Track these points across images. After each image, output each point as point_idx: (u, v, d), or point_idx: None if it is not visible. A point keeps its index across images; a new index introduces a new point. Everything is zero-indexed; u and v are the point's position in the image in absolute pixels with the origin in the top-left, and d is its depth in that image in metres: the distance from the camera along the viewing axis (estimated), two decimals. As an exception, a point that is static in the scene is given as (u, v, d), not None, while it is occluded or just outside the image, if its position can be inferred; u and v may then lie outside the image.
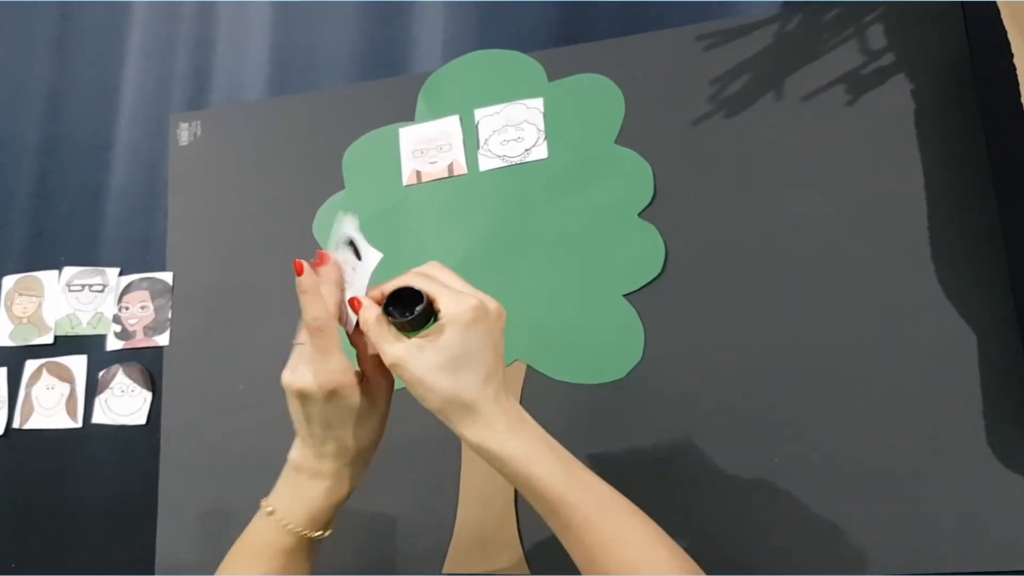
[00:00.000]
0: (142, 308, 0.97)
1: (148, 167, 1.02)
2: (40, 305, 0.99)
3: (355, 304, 0.59)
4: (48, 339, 0.98)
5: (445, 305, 0.55)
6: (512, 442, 0.55)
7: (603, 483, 0.57)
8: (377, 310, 0.57)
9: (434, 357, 0.54)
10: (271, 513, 0.62)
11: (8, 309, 1.00)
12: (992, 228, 0.73)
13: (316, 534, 0.62)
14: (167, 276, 0.97)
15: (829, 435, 0.73)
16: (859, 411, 0.73)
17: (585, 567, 0.55)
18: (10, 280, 1.01)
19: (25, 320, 0.98)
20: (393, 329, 0.57)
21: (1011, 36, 0.67)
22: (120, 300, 0.98)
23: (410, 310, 0.56)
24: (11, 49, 1.12)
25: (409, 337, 0.56)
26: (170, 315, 0.96)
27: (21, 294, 1.00)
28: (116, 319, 0.97)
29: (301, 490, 0.62)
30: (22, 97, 1.09)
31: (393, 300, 0.57)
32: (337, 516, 0.64)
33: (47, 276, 1.01)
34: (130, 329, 0.97)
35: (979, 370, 0.71)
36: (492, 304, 0.58)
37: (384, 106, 0.93)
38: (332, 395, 0.58)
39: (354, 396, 0.59)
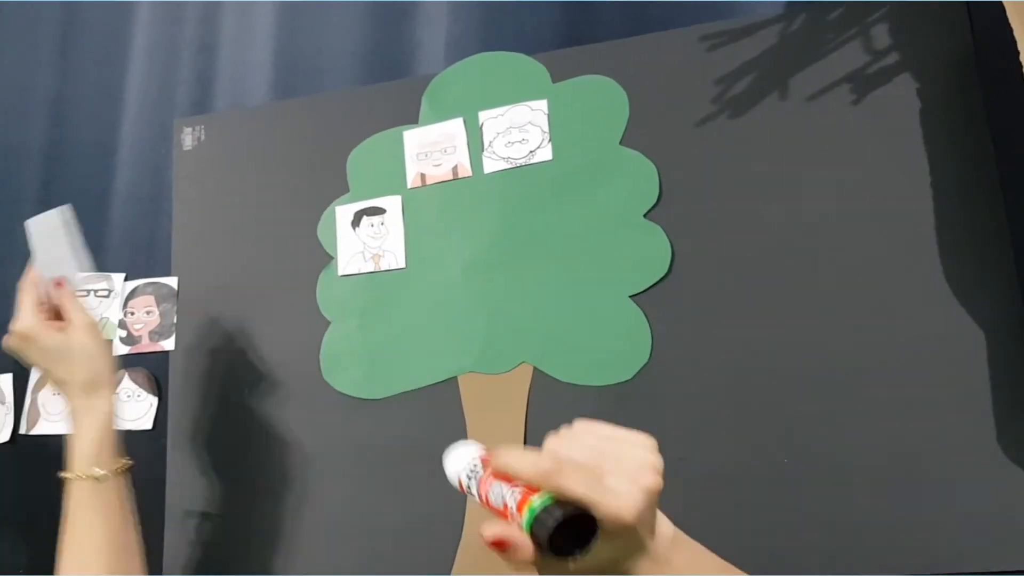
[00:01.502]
0: (147, 313, 0.97)
1: (152, 172, 1.02)
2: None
3: (499, 545, 0.46)
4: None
5: (604, 518, 0.44)
6: None
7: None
8: (530, 550, 0.45)
9: (593, 560, 0.45)
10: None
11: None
12: (999, 227, 0.72)
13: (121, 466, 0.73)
14: (172, 281, 0.97)
15: (837, 435, 0.73)
16: (867, 411, 0.73)
17: None
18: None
19: None
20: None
21: (1017, 34, 0.66)
22: (125, 305, 0.98)
23: (578, 546, 0.44)
24: (15, 55, 1.12)
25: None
26: (175, 320, 0.96)
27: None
28: (122, 324, 0.97)
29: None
30: (26, 103, 1.09)
31: (560, 533, 0.43)
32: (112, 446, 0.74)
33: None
34: (135, 334, 0.97)
35: (987, 369, 0.71)
36: (651, 490, 0.46)
37: (388, 109, 0.93)
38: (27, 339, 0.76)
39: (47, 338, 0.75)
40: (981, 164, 0.74)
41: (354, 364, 0.87)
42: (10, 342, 0.77)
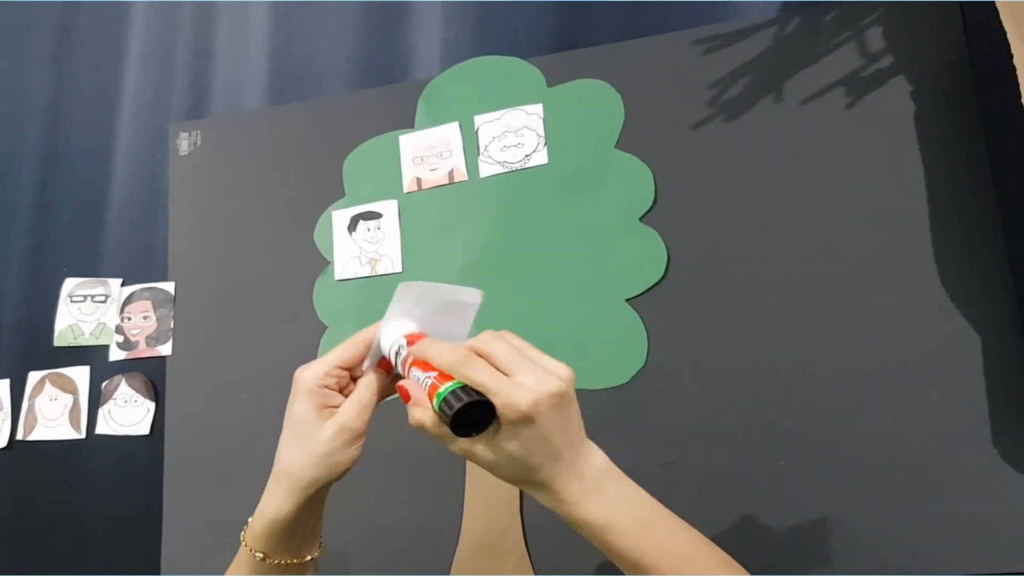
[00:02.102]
0: (144, 318, 0.97)
1: (148, 177, 1.02)
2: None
3: (403, 394, 0.55)
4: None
5: (502, 407, 0.50)
6: (586, 509, 0.53)
7: (687, 537, 0.54)
8: (431, 416, 0.53)
9: (496, 452, 0.52)
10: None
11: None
12: (993, 229, 0.73)
13: (288, 560, 0.59)
14: (169, 286, 0.97)
15: (833, 438, 0.73)
16: (862, 414, 0.73)
17: None
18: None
19: None
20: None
21: (1010, 37, 0.67)
22: (122, 310, 0.98)
23: (473, 427, 0.51)
24: (11, 61, 1.12)
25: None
26: (172, 325, 0.96)
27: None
28: (119, 329, 0.97)
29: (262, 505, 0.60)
30: (22, 108, 1.09)
31: (463, 416, 0.51)
32: (311, 544, 0.62)
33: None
34: (132, 339, 0.97)
35: (983, 372, 0.71)
36: (551, 395, 0.51)
37: (383, 113, 0.93)
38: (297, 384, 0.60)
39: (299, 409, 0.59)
40: (975, 166, 0.74)
41: (351, 369, 0.87)
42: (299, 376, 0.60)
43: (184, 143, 1.00)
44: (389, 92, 0.94)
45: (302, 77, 0.99)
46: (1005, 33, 0.66)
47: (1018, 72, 0.66)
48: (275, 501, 0.58)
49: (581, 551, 0.77)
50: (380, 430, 0.85)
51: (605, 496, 0.53)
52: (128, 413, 0.95)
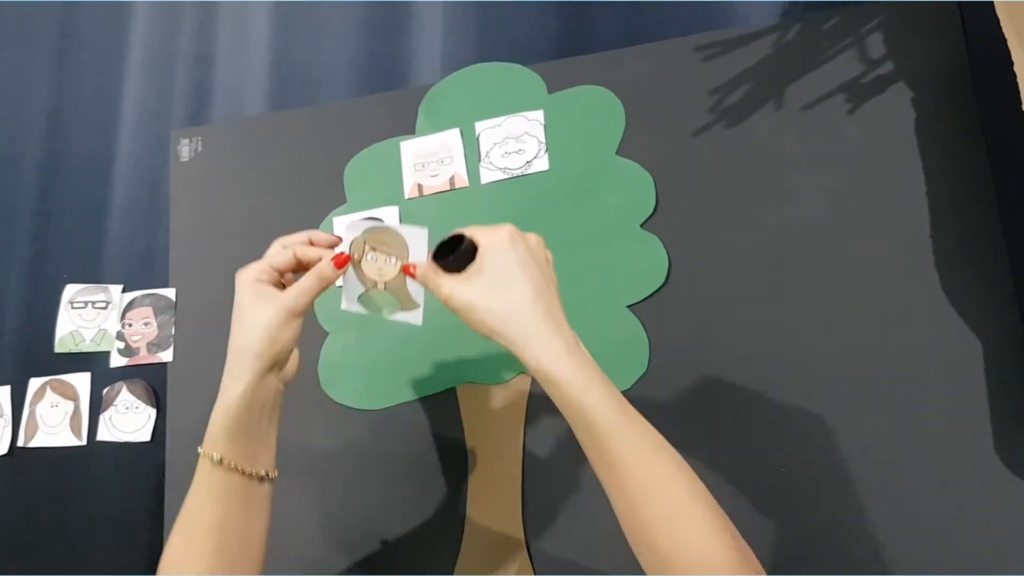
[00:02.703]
0: (145, 325, 0.97)
1: (149, 183, 1.02)
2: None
3: (408, 270, 0.66)
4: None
5: (482, 238, 0.61)
6: (570, 367, 0.57)
7: (651, 427, 0.58)
8: (428, 263, 0.63)
9: (480, 282, 0.60)
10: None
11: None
12: (995, 235, 0.73)
13: (243, 466, 0.62)
14: (170, 292, 0.97)
15: (835, 444, 0.73)
16: (864, 419, 0.73)
17: (622, 512, 0.56)
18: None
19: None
20: (444, 273, 0.63)
21: (1010, 43, 0.67)
22: (123, 317, 0.98)
23: (454, 251, 0.62)
24: (12, 67, 1.12)
25: (455, 273, 0.62)
26: (173, 331, 0.96)
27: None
28: (119, 336, 0.97)
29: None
30: (23, 115, 1.09)
31: (440, 251, 0.63)
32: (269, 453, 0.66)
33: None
34: (133, 346, 0.97)
35: (984, 376, 0.71)
36: (530, 234, 0.63)
37: (384, 120, 0.93)
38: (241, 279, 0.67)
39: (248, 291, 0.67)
40: (976, 173, 0.74)
41: (353, 375, 0.88)
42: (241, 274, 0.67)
43: (185, 149, 1.00)
44: (390, 98, 0.94)
45: (303, 83, 1.00)
46: (1006, 40, 0.67)
47: (1018, 78, 0.66)
48: (227, 390, 0.63)
49: (583, 556, 0.77)
50: (379, 440, 0.86)
51: (582, 358, 0.58)
52: (129, 420, 0.95)
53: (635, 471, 0.55)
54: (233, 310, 0.66)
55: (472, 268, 0.61)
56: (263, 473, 0.64)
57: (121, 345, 0.97)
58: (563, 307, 0.61)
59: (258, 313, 0.64)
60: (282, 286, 0.67)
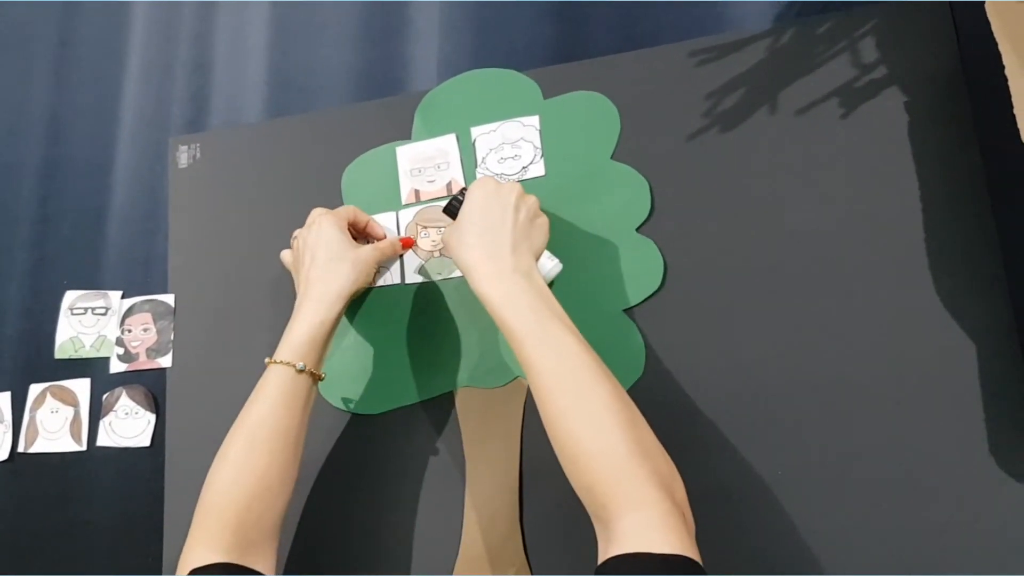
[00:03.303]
0: (144, 330, 0.97)
1: (148, 190, 1.02)
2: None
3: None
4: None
5: (469, 189, 0.76)
6: (495, 287, 0.69)
7: (576, 347, 0.65)
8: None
9: (455, 223, 0.76)
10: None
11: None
12: (989, 238, 0.73)
13: (317, 372, 0.76)
14: (169, 298, 0.97)
15: (830, 446, 0.73)
16: (860, 422, 0.73)
17: (548, 432, 0.64)
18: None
19: (437, 253, 0.87)
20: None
21: (1002, 48, 0.67)
22: (123, 323, 0.98)
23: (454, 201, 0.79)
24: (11, 73, 1.13)
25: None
26: (172, 337, 0.96)
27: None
28: (119, 342, 0.98)
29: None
30: (22, 122, 1.10)
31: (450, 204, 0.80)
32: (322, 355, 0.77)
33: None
34: (133, 351, 0.97)
35: (979, 379, 0.71)
36: (508, 184, 0.76)
37: (381, 125, 0.93)
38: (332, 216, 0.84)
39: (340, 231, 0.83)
40: (970, 175, 0.75)
41: (351, 379, 0.88)
42: (301, 231, 0.84)
43: (183, 156, 1.01)
44: (386, 104, 0.95)
45: (300, 90, 1.00)
46: (997, 45, 0.67)
47: (1009, 82, 0.66)
48: (321, 309, 0.76)
49: (582, 559, 0.77)
50: (377, 444, 0.86)
51: (516, 281, 0.69)
52: (129, 425, 0.95)
53: (550, 395, 0.63)
54: (315, 243, 0.80)
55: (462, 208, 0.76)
56: (322, 374, 0.77)
57: (121, 351, 0.97)
58: (526, 240, 0.73)
59: (355, 254, 0.80)
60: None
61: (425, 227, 0.88)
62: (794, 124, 0.80)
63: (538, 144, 0.87)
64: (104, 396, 0.96)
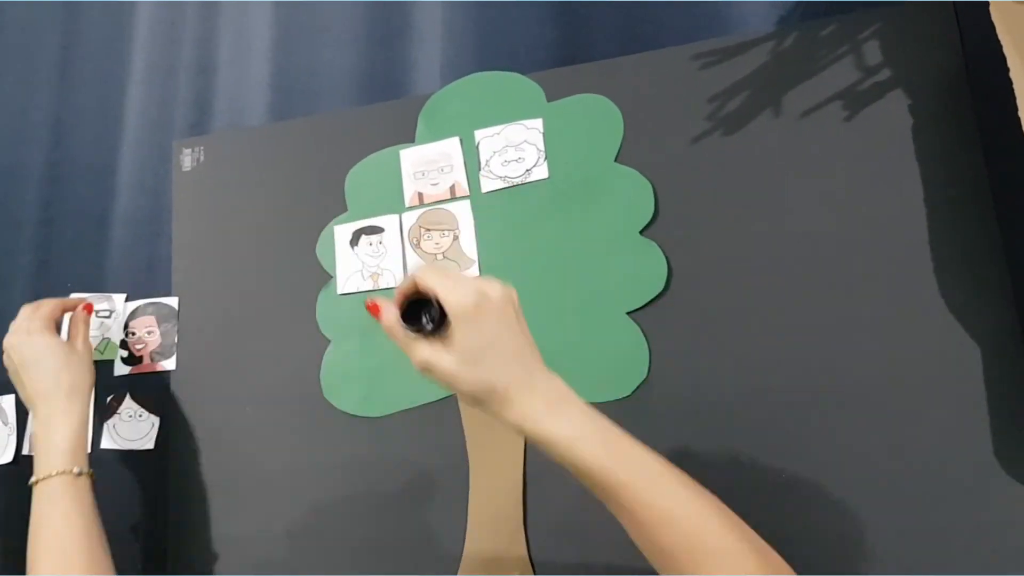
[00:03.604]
0: (148, 333, 0.98)
1: (152, 193, 1.02)
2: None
3: (373, 309, 0.62)
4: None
5: (447, 303, 0.56)
6: (552, 424, 0.55)
7: (652, 457, 0.55)
8: (395, 314, 0.59)
9: (454, 354, 0.56)
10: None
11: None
12: (992, 241, 0.73)
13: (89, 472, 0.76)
14: (173, 301, 0.97)
15: (834, 449, 0.73)
16: (864, 424, 0.73)
17: (645, 546, 0.55)
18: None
19: (440, 256, 0.89)
20: (415, 335, 0.58)
21: (1006, 50, 0.67)
22: (127, 326, 0.98)
23: (425, 317, 0.58)
24: (14, 77, 1.13)
25: (429, 339, 0.58)
26: (176, 340, 0.96)
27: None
28: (123, 344, 0.98)
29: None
30: (26, 125, 1.10)
31: (411, 311, 0.59)
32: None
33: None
34: (137, 354, 0.97)
35: (983, 382, 0.71)
36: (494, 289, 0.58)
37: (385, 128, 0.93)
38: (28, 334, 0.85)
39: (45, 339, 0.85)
40: (973, 178, 0.75)
41: (354, 382, 0.88)
42: (9, 338, 0.84)
43: (187, 159, 1.01)
44: (390, 107, 0.95)
45: (303, 93, 1.00)
46: (1002, 48, 0.67)
47: (1015, 85, 0.66)
48: (76, 412, 0.78)
49: (585, 563, 0.77)
50: (380, 447, 0.86)
51: (567, 410, 0.56)
52: (133, 428, 0.95)
53: (643, 507, 0.54)
54: (31, 353, 0.83)
55: (444, 336, 0.57)
56: (93, 473, 0.78)
57: (124, 354, 0.98)
58: (537, 352, 0.59)
59: (70, 355, 0.84)
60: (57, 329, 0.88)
61: (428, 229, 0.88)
62: (798, 127, 0.80)
63: (541, 147, 0.87)
64: (108, 399, 0.97)
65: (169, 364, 0.96)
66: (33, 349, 0.82)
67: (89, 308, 0.90)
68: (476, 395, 0.57)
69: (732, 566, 0.53)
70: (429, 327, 0.57)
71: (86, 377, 0.83)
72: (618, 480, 0.54)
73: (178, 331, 0.96)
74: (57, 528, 0.72)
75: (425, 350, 0.58)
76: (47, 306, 0.87)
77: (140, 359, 0.97)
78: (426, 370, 0.58)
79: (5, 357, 0.85)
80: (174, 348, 0.96)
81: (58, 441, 0.76)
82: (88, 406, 0.81)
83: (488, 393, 0.56)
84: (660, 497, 0.54)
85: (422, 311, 0.58)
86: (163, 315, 0.98)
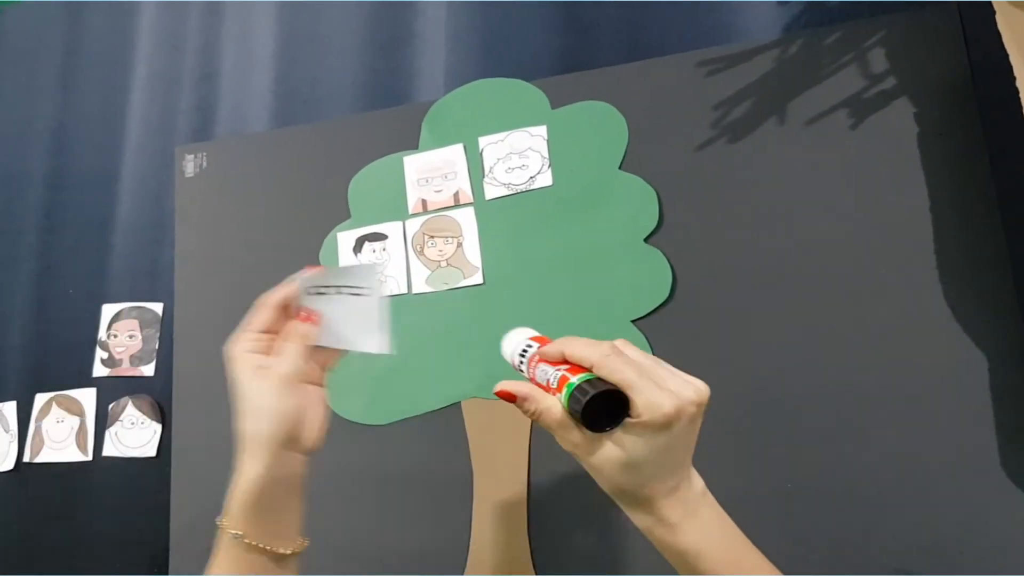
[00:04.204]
0: (130, 337, 0.97)
1: (154, 199, 1.02)
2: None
3: (507, 396, 0.54)
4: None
5: (640, 404, 0.48)
6: (683, 536, 0.51)
7: (768, 568, 0.53)
8: (551, 406, 0.51)
9: (616, 453, 0.49)
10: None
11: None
12: (999, 248, 0.73)
13: (266, 543, 0.58)
14: (157, 307, 0.97)
15: (841, 459, 0.73)
16: (870, 434, 0.73)
17: None
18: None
19: (443, 263, 0.88)
20: (582, 430, 0.50)
21: (1012, 58, 0.67)
22: (109, 328, 0.98)
23: (605, 419, 0.49)
24: (18, 84, 1.13)
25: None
26: (157, 346, 0.96)
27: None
28: (103, 346, 0.97)
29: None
30: (29, 132, 1.10)
31: (591, 404, 0.49)
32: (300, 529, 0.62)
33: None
34: (116, 357, 0.97)
35: (989, 391, 0.71)
36: (691, 403, 0.50)
37: (388, 135, 0.93)
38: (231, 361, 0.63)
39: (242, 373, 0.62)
40: (979, 186, 0.74)
41: (358, 390, 0.88)
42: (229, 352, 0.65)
43: (190, 165, 1.01)
44: (393, 114, 0.95)
45: (307, 100, 1.00)
46: (1007, 56, 0.67)
47: (1020, 92, 0.66)
48: (245, 469, 0.58)
49: (589, 572, 0.77)
50: (384, 455, 0.86)
51: (702, 523, 0.52)
52: (135, 435, 0.95)
53: None
54: (233, 387, 0.62)
55: (626, 435, 0.49)
56: (287, 551, 0.59)
57: (104, 355, 0.97)
58: (691, 452, 0.53)
59: (259, 391, 0.60)
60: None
61: (432, 236, 0.87)
62: (802, 134, 0.80)
63: (546, 154, 0.87)
64: (110, 406, 0.96)
65: (148, 370, 0.96)
66: (232, 372, 0.63)
67: (310, 318, 0.64)
68: (615, 494, 0.52)
69: None
70: (606, 430, 0.49)
71: (273, 422, 0.59)
72: None
73: (178, 337, 0.96)
74: None
75: (577, 434, 0.50)
76: (261, 312, 0.65)
77: (120, 362, 0.97)
78: (574, 452, 0.51)
79: None
80: (154, 354, 0.96)
81: (232, 491, 0.60)
82: (269, 463, 0.58)
83: (628, 497, 0.51)
84: None
85: (597, 395, 0.48)
86: (146, 320, 0.98)
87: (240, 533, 0.57)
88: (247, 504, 0.58)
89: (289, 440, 0.59)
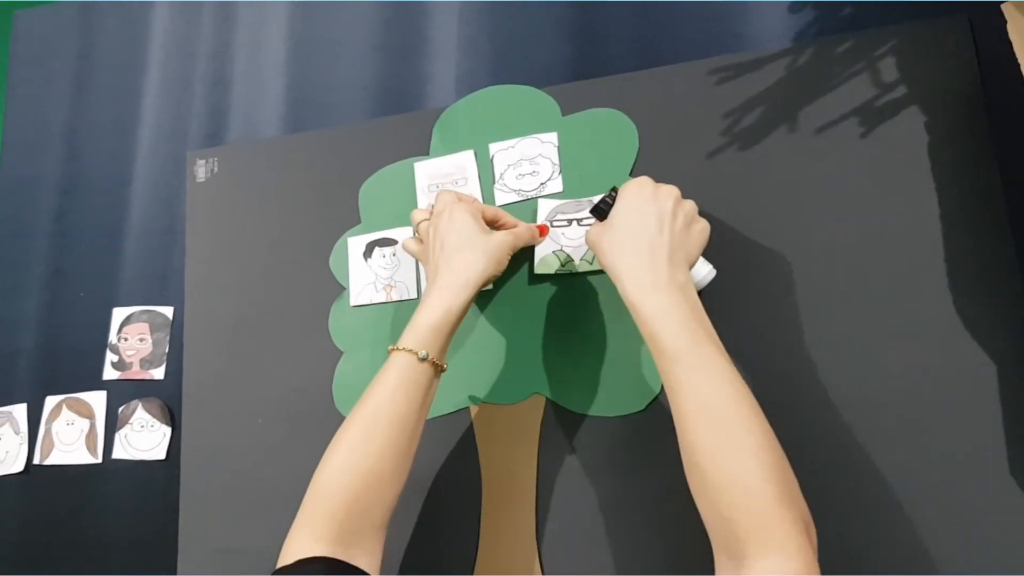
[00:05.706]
0: (140, 340, 0.98)
1: (166, 204, 1.03)
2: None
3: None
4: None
5: (623, 190, 0.71)
6: (650, 298, 0.64)
7: (730, 374, 0.61)
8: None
9: (606, 225, 0.70)
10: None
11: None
12: (1008, 257, 0.73)
13: (440, 363, 0.72)
14: (167, 310, 0.98)
15: (848, 466, 0.73)
16: (878, 441, 0.73)
17: (679, 435, 0.61)
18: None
19: None
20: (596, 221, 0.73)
21: (1023, 66, 0.67)
22: (119, 331, 0.99)
23: (603, 202, 0.72)
24: (30, 89, 1.14)
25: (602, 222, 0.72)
26: (167, 349, 0.96)
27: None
28: (113, 349, 0.98)
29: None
30: (40, 136, 1.11)
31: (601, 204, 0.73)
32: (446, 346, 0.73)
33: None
34: (127, 360, 0.97)
35: (999, 400, 0.71)
36: (664, 187, 0.70)
37: (399, 141, 0.94)
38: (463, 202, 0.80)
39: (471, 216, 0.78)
40: (989, 195, 0.75)
41: (367, 395, 0.88)
42: (446, 197, 0.79)
43: (201, 170, 1.01)
44: (404, 120, 0.95)
45: (318, 106, 1.01)
46: (1018, 65, 0.67)
47: (1031, 102, 0.66)
48: (447, 297, 0.72)
49: (597, 579, 0.77)
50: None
51: (670, 294, 0.64)
52: (144, 438, 0.95)
53: (691, 397, 0.60)
54: (445, 228, 0.76)
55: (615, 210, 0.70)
56: (446, 366, 0.73)
57: (115, 358, 0.98)
58: (682, 249, 0.68)
59: (487, 240, 0.76)
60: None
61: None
62: (813, 143, 0.80)
63: (556, 161, 0.87)
64: (120, 409, 0.97)
65: (158, 373, 0.96)
66: (447, 224, 0.76)
67: (544, 231, 0.83)
68: (604, 260, 0.69)
69: (751, 479, 0.57)
70: (600, 212, 0.72)
71: (478, 269, 0.74)
72: (682, 361, 0.61)
73: (189, 341, 0.96)
74: (379, 401, 0.70)
75: (595, 228, 0.72)
76: (473, 199, 0.83)
77: (130, 365, 0.97)
78: (589, 243, 0.72)
79: (421, 232, 0.80)
80: (164, 357, 0.96)
81: (420, 320, 0.71)
82: (466, 299, 0.72)
83: (611, 262, 0.68)
84: (712, 390, 0.60)
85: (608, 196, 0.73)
86: (157, 324, 0.98)
87: (426, 352, 0.70)
88: (442, 329, 0.71)
89: (491, 276, 0.76)
